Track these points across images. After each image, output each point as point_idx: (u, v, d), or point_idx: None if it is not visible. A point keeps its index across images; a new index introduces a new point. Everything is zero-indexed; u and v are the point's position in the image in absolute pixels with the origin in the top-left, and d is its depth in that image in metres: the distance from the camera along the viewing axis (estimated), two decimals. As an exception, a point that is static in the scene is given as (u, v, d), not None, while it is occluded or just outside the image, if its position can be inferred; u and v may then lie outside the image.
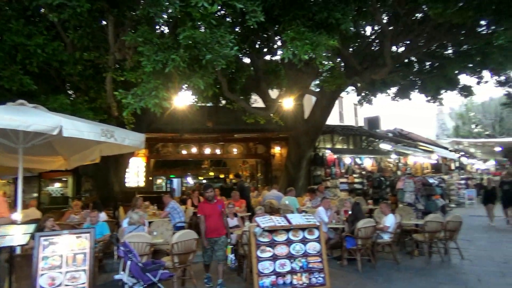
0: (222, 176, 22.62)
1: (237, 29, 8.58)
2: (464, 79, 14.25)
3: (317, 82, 14.32)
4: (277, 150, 17.01)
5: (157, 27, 8.26)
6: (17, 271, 5.07)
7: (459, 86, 14.75)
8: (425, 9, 9.63)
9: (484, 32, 11.11)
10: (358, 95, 14.54)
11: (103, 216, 8.25)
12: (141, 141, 6.64)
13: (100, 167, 11.66)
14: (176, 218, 8.59)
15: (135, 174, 15.14)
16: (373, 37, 12.39)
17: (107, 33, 7.34)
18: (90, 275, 5.05)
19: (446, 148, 22.49)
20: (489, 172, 36.98)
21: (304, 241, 5.94)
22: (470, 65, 13.17)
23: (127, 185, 13.51)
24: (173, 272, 5.82)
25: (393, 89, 15.76)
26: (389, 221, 7.82)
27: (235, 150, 17.13)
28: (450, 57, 13.28)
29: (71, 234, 5.08)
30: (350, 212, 8.27)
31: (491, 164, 37.95)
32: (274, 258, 5.73)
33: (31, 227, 5.02)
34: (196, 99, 13.95)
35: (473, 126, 29.76)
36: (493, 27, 10.29)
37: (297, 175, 13.91)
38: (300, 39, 5.63)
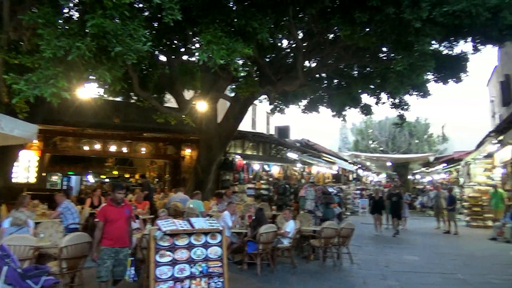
0: (127, 175, 21.52)
1: (154, 25, 8.27)
2: (366, 98, 15.65)
3: (232, 87, 14.51)
4: (187, 152, 16.74)
5: (65, 10, 7.58)
6: None
7: (361, 104, 16.10)
8: (336, 30, 10.39)
9: (384, 58, 12.35)
10: (270, 104, 15.05)
11: (-21, 214, 7.23)
12: (33, 133, 5.99)
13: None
14: (69, 219, 7.90)
15: (25, 168, 13.60)
16: (288, 50, 12.98)
17: (1, 8, 6.51)
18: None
19: (346, 160, 24.39)
20: (381, 184, 41.16)
21: (206, 245, 5.89)
22: (371, 86, 14.48)
23: (14, 180, 12.06)
24: (60, 278, 5.31)
25: (304, 102, 16.69)
26: (290, 227, 8.17)
27: (143, 150, 16.43)
28: (355, 77, 14.44)
29: None
30: (253, 217, 8.46)
31: (382, 177, 42.27)
32: (174, 263, 5.57)
33: None
34: (103, 93, 13.15)
35: (370, 141, 32.83)
36: (392, 54, 11.50)
37: (206, 178, 13.83)
38: (216, 43, 5.63)
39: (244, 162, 14.84)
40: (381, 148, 31.25)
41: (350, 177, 28.26)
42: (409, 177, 29.84)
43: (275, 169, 16.38)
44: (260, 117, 26.85)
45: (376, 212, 13.69)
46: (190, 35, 8.77)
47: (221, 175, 14.88)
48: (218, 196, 10.77)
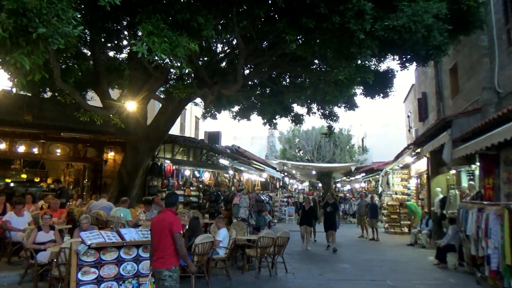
0: (37, 179, 19.29)
1: (86, 9, 7.38)
2: (297, 108, 15.97)
3: (164, 88, 13.78)
4: (110, 155, 15.47)
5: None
6: None
7: (292, 114, 16.37)
8: (274, 36, 10.34)
9: (317, 69, 12.64)
10: (205, 108, 14.49)
11: None
12: None
13: None
14: (-34, 230, 6.63)
15: None
16: (222, 54, 12.70)
17: None
18: None
19: (274, 168, 24.67)
20: (304, 192, 42.65)
21: (137, 259, 5.27)
22: (303, 97, 14.79)
23: None
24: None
25: (236, 108, 16.50)
26: (221, 235, 7.78)
27: (58, 151, 14.78)
28: (288, 86, 14.62)
29: None
30: (187, 227, 7.93)
31: (306, 185, 43.82)
32: (99, 281, 4.88)
33: None
34: (15, 84, 11.53)
35: (297, 150, 33.78)
36: (324, 66, 11.77)
37: (132, 184, 12.81)
38: (158, 35, 5.08)
39: (174, 167, 14.10)
40: (307, 157, 32.30)
41: (277, 185, 28.71)
42: (332, 185, 31.21)
43: (206, 176, 15.86)
44: (189, 122, 26.17)
45: (305, 223, 12.10)
46: (126, 25, 7.99)
47: (148, 180, 13.96)
48: (146, 203, 9.99)
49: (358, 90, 14.17)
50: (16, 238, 7.47)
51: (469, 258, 8.29)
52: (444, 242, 9.55)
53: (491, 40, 10.21)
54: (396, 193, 18.20)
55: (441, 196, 13.05)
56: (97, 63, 11.35)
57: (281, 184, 29.59)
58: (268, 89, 15.37)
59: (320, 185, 38.28)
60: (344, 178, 32.46)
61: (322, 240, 13.02)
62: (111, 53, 12.57)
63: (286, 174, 29.21)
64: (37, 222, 8.12)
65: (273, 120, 16.74)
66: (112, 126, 11.82)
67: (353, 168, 26.82)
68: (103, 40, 10.22)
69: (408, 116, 21.48)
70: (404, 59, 10.07)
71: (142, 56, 5.33)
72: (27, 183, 18.65)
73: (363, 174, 27.18)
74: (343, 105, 15.16)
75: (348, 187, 36.19)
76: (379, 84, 12.49)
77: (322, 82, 12.58)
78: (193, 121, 28.09)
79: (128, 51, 12.68)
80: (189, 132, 24.69)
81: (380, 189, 19.71)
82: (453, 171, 12.62)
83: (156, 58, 5.28)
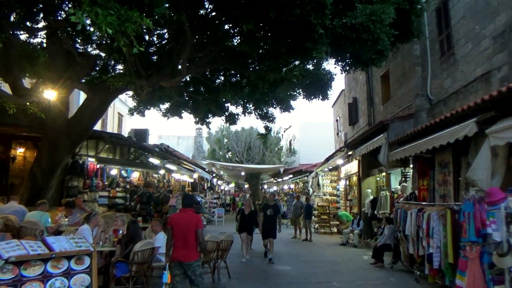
0: None
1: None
2: (232, 107, 15.57)
3: (90, 77, 12.39)
4: (19, 151, 13.49)
5: None
6: None
7: (227, 113, 15.92)
8: (217, 28, 9.79)
9: (257, 68, 12.32)
10: (139, 101, 13.18)
11: None
12: None
13: None
14: None
15: None
16: (157, 44, 11.79)
17: None
18: None
19: (203, 169, 23.94)
20: (230, 193, 42.43)
21: (68, 273, 4.34)
22: (239, 95, 14.43)
23: None
24: None
25: (166, 105, 15.58)
26: (160, 240, 6.99)
27: (-47, 146, 12.50)
28: (224, 84, 14.14)
29: None
30: (120, 232, 7.01)
31: (232, 186, 43.64)
32: (18, 303, 3.88)
33: None
34: None
35: (226, 151, 33.33)
36: (265, 64, 11.50)
37: (47, 184, 11.23)
38: (104, 6, 4.24)
39: (98, 166, 12.73)
40: (237, 159, 32.03)
41: (205, 186, 27.99)
42: (259, 186, 31.34)
43: (134, 176, 14.64)
44: (111, 119, 24.36)
45: (246, 230, 10.15)
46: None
47: (67, 180, 12.40)
48: (68, 206, 8.72)
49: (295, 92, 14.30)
50: None
51: (406, 257, 8.56)
52: (381, 241, 9.81)
53: (423, 49, 10.83)
54: (325, 194, 18.69)
55: (371, 197, 13.59)
56: (8, 43, 9.75)
57: (209, 185, 28.91)
58: (202, 87, 14.76)
59: (246, 186, 38.39)
60: (272, 179, 32.83)
61: (257, 247, 11.82)
62: (23, 37, 10.97)
63: (214, 175, 28.61)
64: None
65: (206, 119, 16.16)
66: (21, 118, 10.25)
67: (281, 170, 27.18)
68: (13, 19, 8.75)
69: (337, 120, 22.34)
70: (347, 62, 10.23)
71: (69, 38, 4.43)
72: None
73: (291, 176, 27.72)
74: (279, 106, 15.13)
75: (274, 188, 36.75)
76: (319, 87, 12.64)
77: (260, 82, 12.37)
78: (116, 117, 26.18)
79: (45, 34, 11.22)
80: (112, 130, 22.93)
81: (310, 190, 20.12)
82: (383, 173, 13.21)
83: (99, 33, 4.43)
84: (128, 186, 14.09)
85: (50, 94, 9.53)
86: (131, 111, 15.53)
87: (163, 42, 11.89)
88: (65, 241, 4.46)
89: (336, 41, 7.31)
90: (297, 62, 12.79)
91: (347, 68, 10.43)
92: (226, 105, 15.60)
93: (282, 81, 13.43)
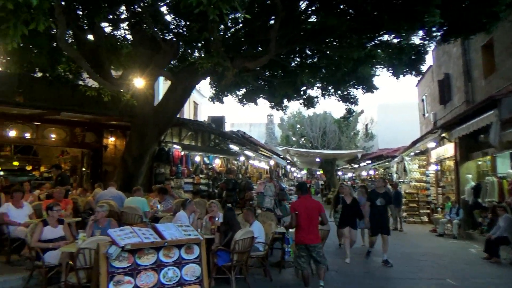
0: (29, 168, 17.82)
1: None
2: (310, 90, 14.85)
3: (172, 65, 12.54)
4: (110, 140, 14.15)
5: None
6: None
7: (305, 96, 15.28)
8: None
9: (339, 45, 11.44)
10: (224, 84, 12.81)
11: None
12: None
13: None
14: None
15: None
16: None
17: None
18: None
19: (278, 155, 23.61)
20: (303, 179, 41.85)
21: (180, 263, 4.13)
22: (318, 77, 13.70)
23: None
24: None
25: (241, 92, 15.36)
26: (257, 230, 6.64)
27: (53, 136, 13.40)
28: (301, 65, 13.49)
29: None
30: (217, 219, 6.80)
31: (303, 173, 42.98)
32: (136, 293, 3.72)
33: None
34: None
35: (300, 137, 32.71)
36: (348, 40, 10.58)
37: (138, 171, 11.60)
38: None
39: (182, 153, 12.89)
40: (311, 144, 31.25)
41: (280, 173, 27.72)
42: (335, 173, 30.32)
43: (217, 162, 14.70)
44: (187, 107, 24.91)
45: (349, 223, 8.33)
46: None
47: (155, 167, 12.75)
48: (161, 192, 8.81)
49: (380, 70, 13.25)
50: (16, 233, 6.26)
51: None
52: (496, 233, 8.59)
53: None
54: (413, 181, 17.28)
55: (472, 183, 12.15)
56: (97, 36, 10.07)
57: (283, 172, 28.59)
58: (279, 70, 14.24)
59: (318, 173, 37.50)
60: (347, 165, 31.58)
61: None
62: (107, 30, 11.33)
63: (288, 161, 28.20)
64: (40, 214, 6.91)
65: (282, 104, 15.67)
66: (111, 108, 10.64)
67: (359, 155, 25.90)
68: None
69: (423, 100, 20.52)
70: (447, 31, 9.05)
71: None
72: (18, 172, 17.22)
73: (369, 162, 26.31)
74: (361, 86, 14.17)
75: (349, 175, 35.38)
76: (410, 61, 11.51)
77: (343, 60, 11.54)
78: (192, 106, 26.81)
79: (128, 25, 11.47)
80: (188, 118, 23.45)
81: (395, 176, 18.80)
82: (488, 157, 11.69)
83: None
84: (210, 173, 14.15)
85: (139, 82, 9.67)
86: (211, 99, 15.58)
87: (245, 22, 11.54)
88: (174, 229, 4.25)
89: (444, 5, 6.33)
90: (384, 38, 11.76)
91: (448, 38, 9.24)
92: (303, 88, 15.01)
93: (367, 58, 12.47)
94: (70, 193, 10.63)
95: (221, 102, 15.71)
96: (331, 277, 6.91)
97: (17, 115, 12.28)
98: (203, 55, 7.69)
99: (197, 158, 13.48)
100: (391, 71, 12.32)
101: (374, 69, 13.46)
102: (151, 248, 3.91)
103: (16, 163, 16.67)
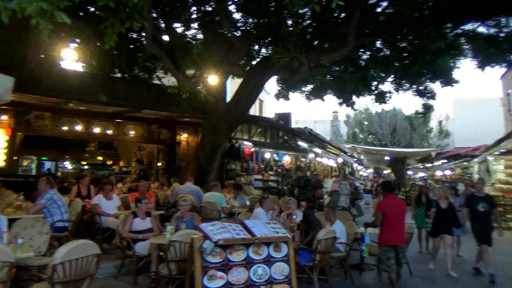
0: (109, 162, 19.18)
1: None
2: (382, 85, 14.19)
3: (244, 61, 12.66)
4: (183, 136, 14.70)
5: None
6: None
7: (376, 91, 14.64)
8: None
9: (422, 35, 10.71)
10: (297, 79, 12.55)
11: None
12: (6, 88, 3.91)
13: None
14: (56, 215, 5.84)
15: (-8, 150, 11.21)
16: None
17: None
18: None
19: (345, 153, 22.95)
20: (369, 178, 40.31)
21: (269, 261, 4.06)
22: (390, 72, 13.05)
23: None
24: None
25: (308, 88, 15.09)
26: (339, 230, 6.39)
27: (132, 133, 14.23)
28: (373, 59, 12.92)
29: None
30: (295, 217, 6.68)
31: (370, 171, 41.40)
32: (228, 288, 3.71)
33: None
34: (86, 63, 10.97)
35: (368, 134, 31.59)
36: (426, 31, 9.82)
37: (210, 167, 11.89)
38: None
39: (253, 149, 12.96)
40: (380, 142, 29.98)
41: (346, 171, 26.94)
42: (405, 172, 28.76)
43: (286, 159, 14.60)
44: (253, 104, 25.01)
45: (445, 231, 7.17)
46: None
47: (226, 164, 12.97)
48: (236, 188, 8.88)
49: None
50: (107, 223, 6.66)
51: None
52: None
53: None
54: (499, 182, 15.77)
55: None
56: (171, 36, 10.44)
57: (350, 170, 27.74)
58: (349, 65, 13.72)
59: (385, 171, 35.86)
60: (419, 165, 29.83)
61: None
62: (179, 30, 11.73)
63: (356, 159, 27.31)
64: (127, 206, 7.30)
65: (351, 100, 15.15)
66: (193, 102, 10.99)
67: (433, 154, 24.30)
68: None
69: (508, 94, 18.66)
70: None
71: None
72: (100, 166, 18.60)
73: (445, 161, 24.58)
74: (439, 80, 13.26)
75: (420, 174, 33.40)
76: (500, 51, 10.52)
77: (421, 52, 10.85)
78: (257, 103, 26.95)
79: (198, 24, 11.79)
80: (254, 114, 23.59)
81: (475, 177, 17.32)
82: None
83: None
84: (279, 170, 14.10)
85: (212, 79, 9.86)
86: (277, 96, 15.51)
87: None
88: (262, 226, 4.19)
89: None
90: (467, 27, 10.81)
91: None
92: (374, 83, 14.38)
93: (447, 50, 11.55)
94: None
95: (287, 99, 15.58)
96: (416, 283, 6.46)
97: (100, 113, 13.24)
98: (278, 50, 7.52)
99: (267, 155, 13.48)
100: (477, 63, 11.37)
101: (455, 61, 12.53)
102: (241, 245, 3.89)
103: (100, 158, 17.98)
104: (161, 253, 4.81)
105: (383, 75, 13.60)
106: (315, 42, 10.43)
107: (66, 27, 6.60)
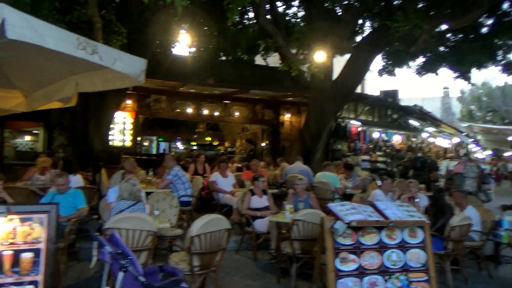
0: (215, 143, 20.17)
1: None
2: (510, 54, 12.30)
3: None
4: (287, 117, 14.67)
5: None
6: None
7: (504, 61, 12.78)
8: None
9: None
10: (418, 46, 11.40)
11: (77, 180, 5.81)
12: (141, 70, 4.12)
13: (78, 117, 9.20)
14: (180, 190, 6.24)
15: (119, 131, 12.53)
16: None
17: None
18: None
19: (461, 132, 20.69)
20: (485, 161, 35.95)
21: (403, 246, 3.72)
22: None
23: (110, 143, 11.00)
24: (191, 283, 3.53)
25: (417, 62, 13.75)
26: (473, 216, 5.64)
27: (237, 114, 14.66)
28: (498, 25, 11.21)
29: (12, 214, 2.71)
30: (417, 200, 6.12)
31: (487, 153, 36.87)
32: (361, 273, 3.50)
33: None
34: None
35: (488, 112, 28.04)
36: None
37: (315, 147, 11.68)
38: None
39: (360, 128, 12.34)
40: (503, 120, 26.36)
41: (461, 152, 24.35)
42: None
43: (396, 139, 13.66)
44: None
45: None
46: None
47: (331, 143, 12.60)
48: (347, 168, 8.50)
49: None
50: (224, 200, 6.94)
51: None
52: None
53: None
54: None
55: None
56: (273, 15, 10.29)
57: (465, 151, 25.01)
58: (470, 33, 12.03)
59: (507, 153, 31.67)
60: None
61: None
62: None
63: (473, 139, 24.51)
64: (240, 184, 7.51)
65: (470, 72, 13.45)
66: (295, 82, 10.84)
67: None
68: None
69: None
70: None
71: None
72: (207, 146, 19.69)
73: None
74: None
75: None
76: None
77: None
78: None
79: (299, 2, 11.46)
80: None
81: None
82: None
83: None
84: (388, 150, 13.25)
85: (319, 56, 9.50)
86: (380, 72, 14.47)
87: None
88: (395, 208, 3.85)
89: None
90: None
91: None
92: (499, 52, 12.53)
93: None
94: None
95: (392, 74, 14.45)
96: None
97: (208, 95, 13.88)
98: (397, 18, 6.84)
99: (375, 134, 12.73)
100: None
101: None
102: (373, 227, 3.61)
103: (208, 139, 19.02)
104: (283, 231, 4.78)
105: (510, 43, 11.88)
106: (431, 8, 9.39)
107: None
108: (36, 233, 2.79)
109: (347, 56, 12.09)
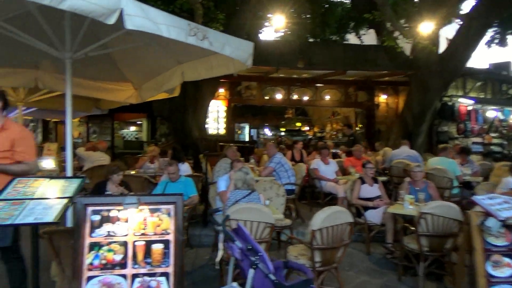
0: (304, 129, 19.80)
1: None
2: None
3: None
4: (382, 98, 13.69)
5: None
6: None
7: None
8: None
9: None
10: None
11: (185, 168, 5.93)
12: (248, 53, 3.91)
13: (177, 107, 9.56)
14: (283, 177, 6.04)
15: (214, 119, 12.86)
16: None
17: None
18: (176, 283, 2.71)
19: None
20: None
21: None
22: None
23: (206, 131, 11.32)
24: (314, 280, 3.30)
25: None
26: None
27: (328, 97, 14.07)
28: None
29: (144, 204, 2.70)
30: None
31: None
32: (520, 279, 2.92)
33: (72, 185, 2.75)
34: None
35: None
36: None
37: (418, 130, 10.69)
38: None
39: (470, 108, 10.98)
40: None
41: None
42: None
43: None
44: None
45: None
46: None
47: (436, 125, 11.43)
48: (463, 152, 7.53)
49: None
50: (327, 188, 6.60)
51: None
52: None
53: None
54: None
55: None
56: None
57: None
58: None
59: None
60: None
61: None
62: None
63: None
64: (343, 172, 7.09)
65: None
66: (393, 61, 9.96)
67: None
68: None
69: None
70: None
71: None
72: (295, 132, 19.41)
73: None
74: None
75: None
76: None
77: None
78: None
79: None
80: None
81: None
82: None
83: None
84: (505, 131, 11.63)
85: (426, 28, 8.52)
86: (489, 42, 12.63)
87: None
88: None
89: None
90: None
91: None
92: None
93: None
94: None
95: (503, 44, 12.50)
96: None
97: (297, 79, 13.53)
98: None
99: (490, 113, 11.22)
100: None
101: None
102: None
103: (298, 124, 18.74)
104: (405, 224, 4.31)
105: None
106: None
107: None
108: (165, 224, 2.76)
109: (449, 28, 10.81)
